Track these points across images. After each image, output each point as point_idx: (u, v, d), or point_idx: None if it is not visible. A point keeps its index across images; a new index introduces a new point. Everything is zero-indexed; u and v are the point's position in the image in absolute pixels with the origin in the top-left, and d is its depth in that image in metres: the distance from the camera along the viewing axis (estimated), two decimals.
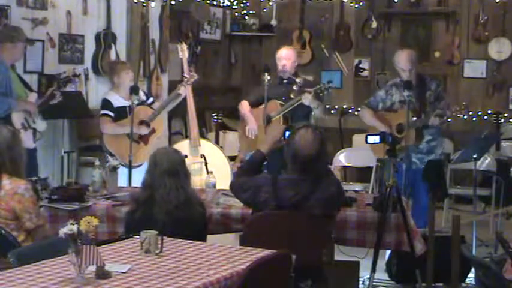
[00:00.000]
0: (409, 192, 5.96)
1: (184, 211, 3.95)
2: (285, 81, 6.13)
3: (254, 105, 6.31)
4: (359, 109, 6.54)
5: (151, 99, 6.54)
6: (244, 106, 6.35)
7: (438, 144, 6.18)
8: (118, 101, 6.34)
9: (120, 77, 6.34)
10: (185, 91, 6.41)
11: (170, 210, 3.93)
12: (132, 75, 6.43)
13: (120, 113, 6.31)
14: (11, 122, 5.85)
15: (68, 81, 6.58)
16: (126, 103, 6.30)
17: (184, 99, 6.50)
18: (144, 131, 6.30)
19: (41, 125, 6.21)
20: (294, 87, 6.09)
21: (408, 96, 5.67)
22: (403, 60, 6.08)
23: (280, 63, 6.18)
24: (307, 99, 5.90)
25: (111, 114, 6.31)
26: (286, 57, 6.20)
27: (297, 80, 6.12)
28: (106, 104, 6.36)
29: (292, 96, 6.07)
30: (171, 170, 3.98)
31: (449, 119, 6.31)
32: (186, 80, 6.43)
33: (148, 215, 3.94)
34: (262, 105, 6.19)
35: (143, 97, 6.49)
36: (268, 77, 5.99)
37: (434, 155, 6.09)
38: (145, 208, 3.98)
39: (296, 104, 5.98)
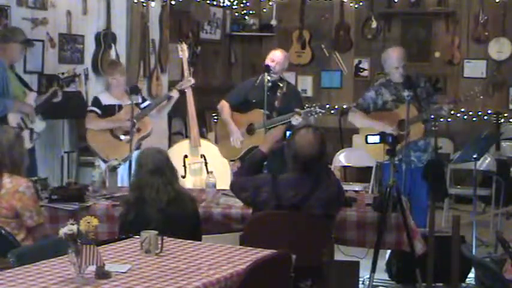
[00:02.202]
0: (408, 192, 5.95)
1: (177, 207, 4.01)
2: (269, 83, 5.94)
3: (235, 107, 6.27)
4: (349, 113, 6.46)
5: (146, 103, 6.49)
6: (225, 110, 6.30)
7: (430, 142, 6.19)
8: (108, 99, 6.36)
9: (109, 79, 6.39)
10: (177, 94, 6.39)
11: (162, 207, 3.98)
12: (121, 79, 6.39)
13: (108, 111, 6.33)
14: (7, 122, 5.85)
15: (71, 81, 6.60)
16: (116, 102, 6.32)
17: (185, 100, 6.49)
18: (127, 128, 6.27)
19: (39, 125, 6.20)
20: (278, 94, 6.10)
21: (408, 96, 5.66)
22: (395, 57, 6.07)
23: (271, 64, 6.12)
24: (297, 120, 5.89)
25: (98, 110, 6.34)
26: (278, 60, 6.16)
27: (281, 84, 6.13)
28: (94, 101, 6.42)
29: (276, 104, 6.06)
30: (156, 169, 4.04)
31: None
32: (180, 84, 6.42)
33: (141, 215, 3.97)
34: (245, 113, 6.19)
35: (138, 99, 6.46)
36: (269, 77, 5.96)
37: (428, 153, 6.08)
38: (137, 209, 4.02)
39: (284, 122, 5.96)
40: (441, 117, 6.12)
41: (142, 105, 6.41)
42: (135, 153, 6.25)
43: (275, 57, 6.18)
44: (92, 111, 6.38)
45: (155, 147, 4.32)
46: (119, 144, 6.24)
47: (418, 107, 5.95)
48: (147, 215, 3.95)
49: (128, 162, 5.93)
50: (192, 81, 6.44)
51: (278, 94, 6.11)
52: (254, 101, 6.15)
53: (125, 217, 4.07)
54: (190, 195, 4.21)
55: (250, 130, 6.19)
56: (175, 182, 4.12)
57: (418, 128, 5.94)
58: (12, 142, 4.08)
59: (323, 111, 6.04)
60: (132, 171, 5.78)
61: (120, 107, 6.32)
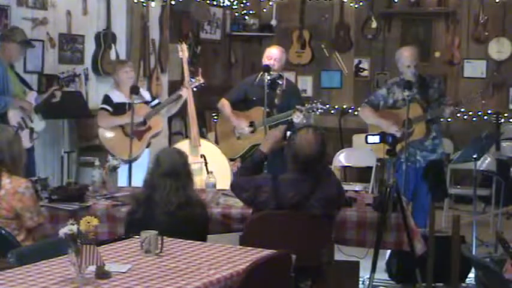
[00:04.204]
0: (412, 192, 5.95)
1: (185, 212, 3.95)
2: (267, 80, 5.92)
3: (235, 105, 6.27)
4: (359, 108, 6.53)
5: (156, 101, 6.53)
6: (226, 107, 6.28)
7: (440, 143, 6.20)
8: (118, 97, 6.37)
9: (119, 75, 6.39)
10: (187, 93, 6.40)
11: (171, 211, 3.93)
12: (132, 74, 6.42)
13: (119, 109, 6.34)
14: (7, 120, 5.85)
15: (71, 81, 6.61)
16: (126, 100, 6.33)
17: (184, 100, 6.49)
18: (138, 126, 6.28)
19: (39, 124, 6.21)
20: (278, 91, 6.09)
21: (408, 96, 5.67)
22: (407, 56, 6.09)
23: (269, 63, 6.09)
24: (298, 118, 5.88)
25: (109, 108, 6.37)
26: (275, 57, 6.14)
27: (280, 82, 6.12)
28: (106, 99, 6.43)
29: (276, 101, 6.06)
30: (171, 172, 3.98)
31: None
32: (190, 83, 6.42)
33: (149, 215, 3.94)
34: (246, 111, 6.17)
35: (148, 98, 6.50)
36: (269, 77, 5.96)
37: (436, 154, 6.09)
38: (145, 208, 3.98)
39: (284, 119, 5.95)
40: (442, 118, 6.12)
41: (153, 104, 6.44)
42: (146, 151, 6.31)
43: (272, 54, 6.16)
44: (103, 108, 6.39)
45: (176, 148, 4.28)
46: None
47: (426, 107, 5.97)
48: (154, 216, 3.92)
49: (138, 160, 5.96)
50: (202, 80, 6.45)
51: (278, 91, 6.11)
52: (254, 98, 6.15)
53: (132, 215, 4.04)
54: (201, 202, 4.15)
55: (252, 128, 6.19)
56: (189, 187, 4.04)
57: (421, 127, 5.95)
58: (11, 139, 4.09)
59: (324, 107, 6.04)
60: (133, 170, 5.84)
61: (130, 105, 6.30)
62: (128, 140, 6.15)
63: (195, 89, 6.46)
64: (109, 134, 6.37)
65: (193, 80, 6.43)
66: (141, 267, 3.15)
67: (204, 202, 4.23)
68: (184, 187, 3.99)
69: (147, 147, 6.39)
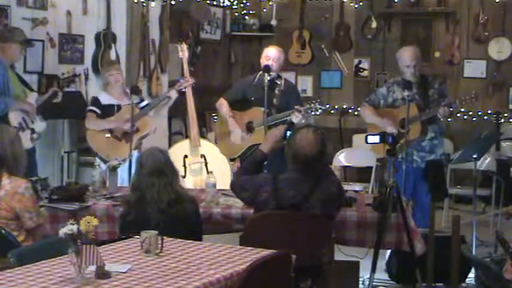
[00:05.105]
0: (411, 192, 5.95)
1: (177, 208, 3.99)
2: (267, 81, 5.87)
3: (233, 105, 6.27)
4: (359, 108, 6.54)
5: (144, 103, 6.50)
6: (224, 107, 6.28)
7: (439, 144, 6.19)
8: (107, 99, 6.39)
9: (106, 77, 6.44)
10: (175, 94, 6.40)
11: (162, 208, 3.96)
12: (118, 77, 6.41)
13: (107, 111, 6.36)
14: (8, 121, 5.85)
15: (71, 81, 6.61)
16: (115, 102, 6.35)
17: (185, 100, 6.49)
18: (127, 128, 6.27)
19: (39, 125, 6.21)
20: (276, 91, 6.08)
21: (408, 96, 5.67)
22: (407, 56, 6.09)
23: (267, 63, 6.06)
24: (297, 118, 5.87)
25: (97, 110, 6.39)
26: (273, 57, 6.12)
27: (278, 82, 6.12)
28: (94, 101, 6.47)
29: (275, 102, 6.05)
30: (157, 170, 4.02)
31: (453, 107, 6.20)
32: (178, 84, 6.41)
33: (142, 216, 3.96)
34: (244, 111, 6.17)
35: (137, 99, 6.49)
36: (269, 77, 5.95)
37: (435, 154, 6.09)
38: (137, 210, 4.01)
39: (283, 119, 5.94)
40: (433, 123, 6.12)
41: (141, 105, 6.42)
42: (135, 153, 6.30)
43: (270, 55, 6.14)
44: (91, 111, 6.41)
45: (156, 147, 4.29)
46: (119, 144, 6.25)
47: (423, 107, 5.96)
48: (147, 216, 3.94)
49: (128, 162, 5.94)
50: (192, 81, 6.44)
51: (276, 91, 6.10)
52: (253, 98, 6.14)
53: (125, 217, 4.07)
54: (190, 196, 4.19)
55: (249, 128, 6.18)
56: (176, 183, 4.10)
57: (416, 127, 5.95)
58: (13, 138, 4.10)
59: (323, 107, 6.04)
60: (133, 171, 5.84)
61: (119, 107, 6.34)
62: (115, 142, 6.17)
63: (184, 90, 6.42)
64: (97, 136, 6.37)
65: (181, 80, 6.41)
66: (141, 267, 3.15)
67: (193, 197, 4.26)
68: (171, 183, 4.04)
69: (135, 149, 6.35)
